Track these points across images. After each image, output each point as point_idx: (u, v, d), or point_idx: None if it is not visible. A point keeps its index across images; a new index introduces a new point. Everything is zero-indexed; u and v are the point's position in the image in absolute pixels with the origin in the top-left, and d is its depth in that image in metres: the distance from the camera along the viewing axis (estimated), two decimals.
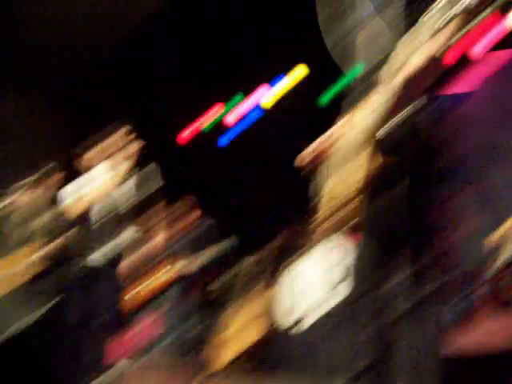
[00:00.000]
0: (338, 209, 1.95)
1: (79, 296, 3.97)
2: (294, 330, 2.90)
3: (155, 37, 6.20)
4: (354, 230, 1.98)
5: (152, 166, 4.39)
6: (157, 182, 4.39)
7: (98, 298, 4.00)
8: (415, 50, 1.76)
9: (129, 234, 4.26)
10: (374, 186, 1.87)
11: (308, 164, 2.10)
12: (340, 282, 3.88)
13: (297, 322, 2.87)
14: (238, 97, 7.17)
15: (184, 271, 4.66)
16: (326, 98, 6.13)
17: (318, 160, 2.07)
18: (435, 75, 1.85)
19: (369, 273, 2.05)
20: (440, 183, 2.09)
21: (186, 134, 7.23)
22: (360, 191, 1.88)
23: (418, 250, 1.98)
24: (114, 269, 4.19)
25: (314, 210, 2.01)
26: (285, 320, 3.51)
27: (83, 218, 4.14)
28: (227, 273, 4.52)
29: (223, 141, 7.16)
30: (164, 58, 6.40)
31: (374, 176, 1.86)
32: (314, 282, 4.23)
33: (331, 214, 1.98)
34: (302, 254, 3.21)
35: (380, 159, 1.84)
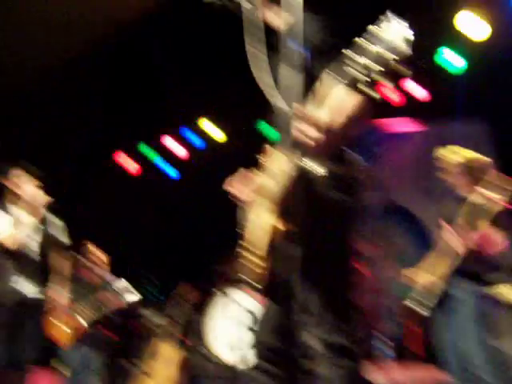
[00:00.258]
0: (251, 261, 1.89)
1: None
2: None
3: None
4: (260, 292, 1.93)
5: (59, 221, 4.23)
6: (63, 237, 4.24)
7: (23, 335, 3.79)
8: (346, 91, 1.78)
9: (30, 289, 4.05)
10: (276, 248, 1.84)
11: (236, 194, 2.05)
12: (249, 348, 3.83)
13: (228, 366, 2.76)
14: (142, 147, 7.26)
15: (89, 326, 4.46)
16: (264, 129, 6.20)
17: (245, 193, 2.02)
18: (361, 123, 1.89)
19: (273, 335, 2.01)
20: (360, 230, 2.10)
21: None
22: (265, 253, 1.85)
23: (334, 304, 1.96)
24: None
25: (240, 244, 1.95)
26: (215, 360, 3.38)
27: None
28: (140, 324, 4.37)
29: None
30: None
31: (277, 237, 1.83)
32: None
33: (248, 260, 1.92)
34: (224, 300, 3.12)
35: (282, 221, 1.81)
